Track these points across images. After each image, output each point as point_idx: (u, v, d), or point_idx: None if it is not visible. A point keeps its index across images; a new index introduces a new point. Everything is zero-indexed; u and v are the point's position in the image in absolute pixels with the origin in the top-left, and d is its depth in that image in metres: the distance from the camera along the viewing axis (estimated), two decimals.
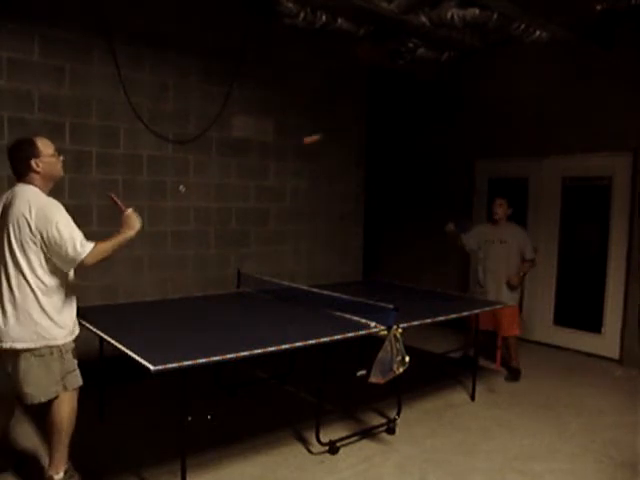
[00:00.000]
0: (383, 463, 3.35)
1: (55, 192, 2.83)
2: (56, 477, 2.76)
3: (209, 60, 5.23)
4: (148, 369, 2.47)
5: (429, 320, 3.80)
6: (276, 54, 5.71)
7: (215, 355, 2.68)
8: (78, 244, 2.59)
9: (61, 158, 2.83)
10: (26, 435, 3.50)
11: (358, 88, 6.60)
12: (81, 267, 2.65)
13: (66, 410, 2.75)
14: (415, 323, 3.60)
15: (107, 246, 2.72)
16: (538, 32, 4.80)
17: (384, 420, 3.85)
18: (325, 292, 4.08)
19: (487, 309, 4.43)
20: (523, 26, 4.73)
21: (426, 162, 7.32)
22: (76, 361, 2.81)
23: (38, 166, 2.69)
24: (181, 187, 4.87)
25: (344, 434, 3.61)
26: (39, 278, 2.63)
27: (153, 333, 3.24)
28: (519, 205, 5.67)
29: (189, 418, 2.68)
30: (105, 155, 4.68)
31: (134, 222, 2.87)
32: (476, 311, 4.32)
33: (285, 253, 6.02)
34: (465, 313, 4.29)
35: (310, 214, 6.20)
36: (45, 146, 2.74)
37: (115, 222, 4.88)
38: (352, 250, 6.69)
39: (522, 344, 5.49)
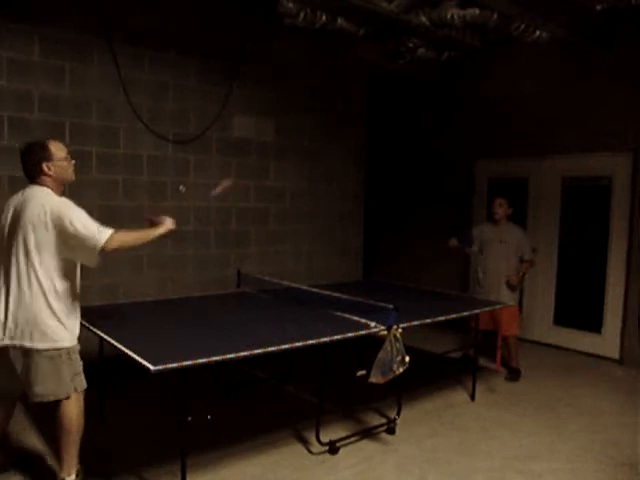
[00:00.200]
0: (383, 463, 3.35)
1: None
2: (68, 479, 2.77)
3: (209, 60, 5.23)
4: (148, 369, 2.47)
5: (429, 320, 3.80)
6: (276, 54, 5.71)
7: (215, 355, 2.68)
8: (96, 230, 2.60)
9: (72, 162, 2.85)
10: (26, 435, 3.50)
11: (358, 88, 6.59)
12: (100, 256, 2.64)
13: (74, 412, 2.75)
14: (415, 323, 3.60)
15: (131, 235, 2.77)
16: (538, 32, 4.80)
17: (384, 420, 3.85)
18: (325, 292, 4.08)
19: (487, 309, 4.44)
20: (523, 26, 4.73)
21: (426, 162, 7.32)
22: (82, 363, 2.82)
23: (50, 169, 2.72)
24: (181, 187, 4.87)
25: (344, 434, 3.61)
26: (52, 280, 2.64)
27: (153, 333, 3.24)
28: (519, 205, 5.67)
29: (189, 418, 2.68)
30: (105, 155, 4.68)
31: (167, 221, 2.92)
32: (476, 311, 4.31)
33: (285, 253, 6.02)
34: (465, 313, 4.29)
35: (310, 214, 6.20)
36: (58, 149, 2.76)
37: (115, 223, 4.89)
38: (352, 250, 6.69)
39: (522, 344, 5.50)
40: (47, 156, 2.71)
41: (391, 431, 3.74)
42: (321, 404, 3.42)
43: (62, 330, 2.68)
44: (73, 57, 4.47)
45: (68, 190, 4.50)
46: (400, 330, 3.29)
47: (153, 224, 2.95)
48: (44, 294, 2.63)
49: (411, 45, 5.61)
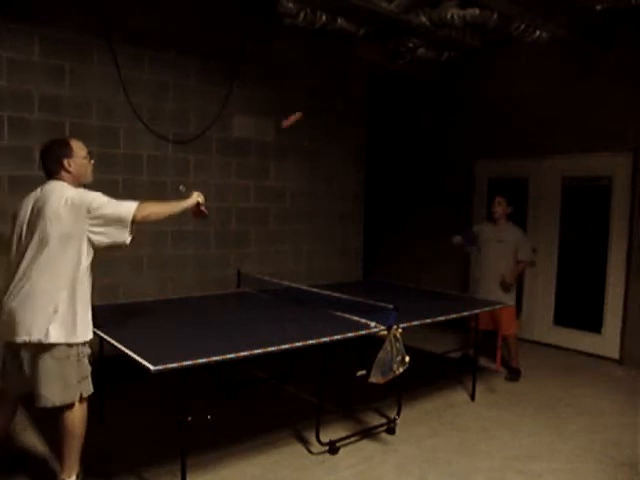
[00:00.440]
0: (383, 463, 3.35)
1: None
2: None
3: (209, 60, 5.23)
4: (148, 369, 2.47)
5: (429, 320, 3.80)
6: (276, 54, 5.71)
7: (215, 355, 2.68)
8: (122, 204, 2.64)
9: (92, 162, 2.88)
10: (26, 435, 3.50)
11: (358, 88, 6.59)
12: (132, 228, 2.66)
13: (79, 416, 2.75)
14: (415, 323, 3.60)
15: (158, 206, 2.81)
16: (538, 32, 4.80)
17: (384, 420, 3.85)
18: (325, 292, 4.08)
19: (487, 309, 4.44)
20: (523, 26, 4.73)
21: (426, 162, 7.32)
22: (90, 368, 2.82)
23: (70, 166, 2.75)
24: (181, 187, 4.84)
25: (344, 434, 3.61)
26: (72, 274, 2.64)
27: (153, 333, 3.24)
28: (519, 205, 5.67)
29: (189, 418, 2.68)
30: (105, 155, 4.67)
31: (194, 195, 3.03)
32: (476, 311, 4.31)
33: (285, 253, 6.02)
34: (465, 313, 4.29)
35: (310, 214, 6.20)
36: (78, 148, 2.80)
37: None
38: (352, 250, 6.69)
39: (522, 344, 5.50)
40: (68, 153, 2.75)
41: (391, 431, 3.74)
42: (321, 404, 3.42)
43: (78, 325, 2.67)
44: (73, 57, 4.47)
45: None
46: (400, 330, 3.29)
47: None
48: (63, 288, 2.62)
49: (411, 45, 5.61)
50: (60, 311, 2.62)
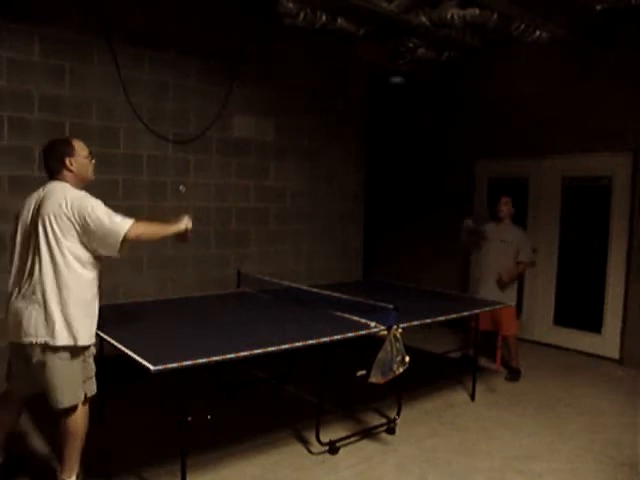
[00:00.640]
0: (383, 463, 3.35)
1: None
2: None
3: (209, 60, 5.23)
4: (148, 369, 2.47)
5: (429, 320, 3.80)
6: (276, 54, 5.71)
7: (215, 355, 2.69)
8: (117, 219, 2.63)
9: (93, 162, 2.89)
10: (26, 435, 3.50)
11: (358, 88, 6.59)
12: (123, 245, 2.66)
13: (81, 417, 2.76)
14: (415, 323, 3.60)
15: (151, 226, 2.81)
16: (538, 32, 4.80)
17: (384, 420, 3.85)
18: (325, 292, 4.08)
19: (487, 309, 4.43)
20: (523, 26, 4.73)
21: (426, 162, 7.32)
22: (95, 369, 2.82)
23: (72, 165, 2.75)
24: (181, 187, 4.86)
25: (344, 434, 3.61)
26: (73, 273, 2.63)
27: (153, 333, 3.25)
28: (519, 205, 5.65)
29: (189, 418, 2.68)
30: (105, 155, 4.67)
31: (184, 220, 2.99)
32: (476, 311, 4.31)
33: (285, 253, 6.02)
34: (465, 313, 4.30)
35: (310, 214, 6.20)
36: (80, 147, 2.81)
37: None
38: (352, 250, 6.69)
39: (522, 344, 5.50)
40: (70, 152, 2.76)
41: (391, 431, 3.74)
42: (321, 404, 3.42)
43: (83, 326, 2.67)
44: (73, 57, 4.47)
45: None
46: (400, 330, 3.29)
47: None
48: (67, 289, 2.61)
49: (411, 45, 5.61)
50: (65, 312, 2.61)
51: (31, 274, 2.64)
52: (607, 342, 5.67)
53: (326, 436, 3.47)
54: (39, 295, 2.61)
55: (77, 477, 2.80)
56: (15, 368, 2.83)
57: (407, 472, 3.25)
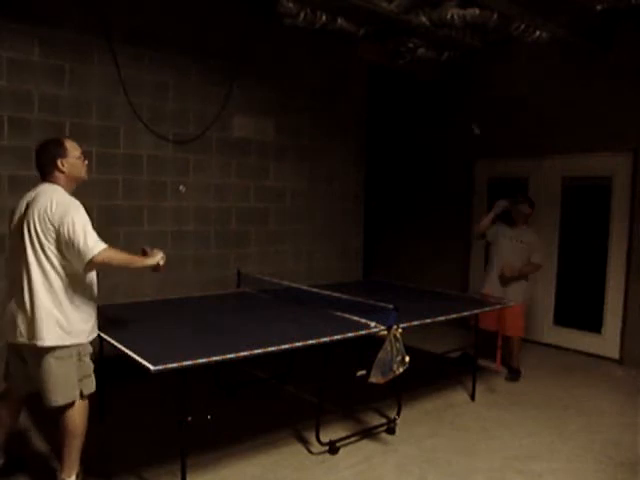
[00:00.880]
0: (383, 463, 3.35)
1: None
2: None
3: (209, 60, 5.23)
4: (148, 369, 2.47)
5: (429, 320, 3.79)
6: (276, 54, 5.71)
7: (215, 355, 2.69)
8: (90, 240, 2.59)
9: (85, 162, 2.87)
10: (26, 435, 3.50)
11: (358, 88, 6.59)
12: (89, 266, 2.63)
13: (79, 415, 2.76)
14: (415, 323, 3.60)
15: (121, 256, 2.73)
16: (538, 32, 4.80)
17: (384, 420, 3.85)
18: (325, 292, 4.08)
19: (487, 309, 4.43)
20: (523, 26, 4.73)
21: (426, 162, 7.32)
22: (92, 366, 2.83)
23: (63, 166, 2.74)
24: (181, 187, 4.87)
25: (344, 434, 3.61)
26: (59, 274, 2.64)
27: (153, 333, 3.25)
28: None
29: (189, 418, 2.68)
30: (105, 155, 4.68)
31: (156, 254, 2.90)
32: (476, 311, 4.31)
33: (285, 253, 6.02)
34: (465, 313, 4.29)
35: (310, 214, 6.20)
36: (72, 147, 2.80)
37: (115, 223, 4.89)
38: (352, 250, 6.69)
39: (522, 344, 5.49)
40: (62, 153, 2.74)
41: (391, 431, 3.74)
42: (321, 404, 3.42)
43: (74, 326, 2.67)
44: (73, 57, 4.47)
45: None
46: (400, 330, 3.29)
47: (145, 254, 2.92)
48: (53, 288, 2.63)
49: (411, 45, 5.61)
50: (54, 312, 2.63)
51: (20, 275, 2.65)
52: (607, 342, 5.67)
53: (326, 436, 3.47)
54: (27, 296, 2.63)
55: (77, 477, 2.81)
56: (13, 367, 2.85)
57: (407, 472, 3.25)
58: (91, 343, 2.87)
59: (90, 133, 4.59)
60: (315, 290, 4.19)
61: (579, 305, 6.00)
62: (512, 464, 3.38)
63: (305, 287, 4.41)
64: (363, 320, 3.49)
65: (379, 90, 7.29)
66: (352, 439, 3.60)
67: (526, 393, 4.61)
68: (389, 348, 3.22)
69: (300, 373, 4.52)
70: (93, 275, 2.82)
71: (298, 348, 3.04)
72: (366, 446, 3.56)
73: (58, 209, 2.60)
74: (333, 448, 3.43)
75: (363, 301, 3.78)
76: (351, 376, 3.32)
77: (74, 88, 4.50)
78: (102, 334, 3.03)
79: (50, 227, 2.60)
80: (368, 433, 3.71)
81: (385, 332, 3.27)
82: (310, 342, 3.05)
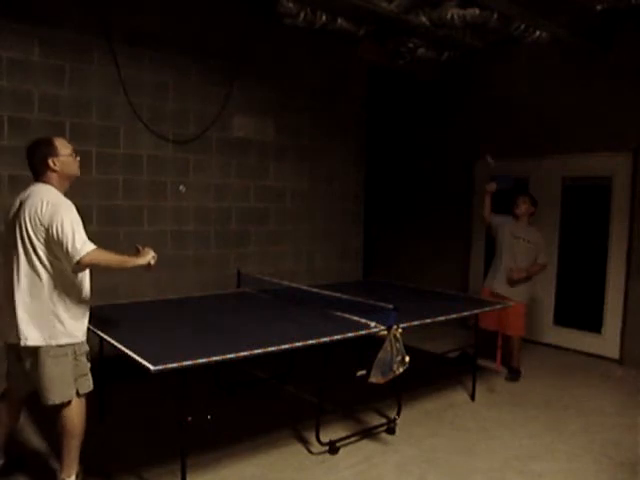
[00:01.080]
0: (383, 463, 3.35)
1: None
2: None
3: (209, 60, 5.23)
4: (148, 369, 2.47)
5: (429, 320, 3.79)
6: (276, 54, 5.71)
7: (215, 355, 2.69)
8: (78, 241, 2.60)
9: (77, 159, 2.88)
10: (26, 434, 3.50)
11: (358, 88, 6.59)
12: (77, 266, 2.64)
13: (77, 414, 2.76)
14: (415, 323, 3.60)
15: (110, 256, 2.73)
16: (538, 32, 4.81)
17: (384, 420, 3.85)
18: (325, 292, 4.08)
19: (487, 309, 4.42)
20: (523, 26, 4.74)
21: (426, 162, 7.32)
22: (89, 365, 2.83)
23: (55, 165, 2.75)
24: (181, 187, 4.87)
25: (344, 434, 3.61)
26: (50, 274, 2.65)
27: (153, 333, 3.25)
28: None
29: (189, 418, 2.68)
30: (105, 155, 4.67)
31: (147, 254, 2.92)
32: (476, 311, 4.31)
33: (285, 253, 6.02)
34: (465, 313, 4.29)
35: (310, 214, 6.20)
36: (63, 146, 2.80)
37: (115, 223, 4.89)
38: (352, 250, 6.69)
39: (522, 344, 5.48)
40: (53, 152, 2.75)
41: (391, 431, 3.74)
42: (321, 404, 3.42)
43: (65, 326, 2.68)
44: (73, 57, 4.47)
45: (69, 190, 4.50)
46: (400, 330, 3.29)
47: (138, 253, 2.93)
48: (45, 288, 2.64)
49: (411, 45, 5.61)
50: (45, 312, 2.64)
51: (14, 276, 2.67)
52: (607, 342, 5.67)
53: (326, 436, 3.47)
54: (19, 297, 2.64)
55: (77, 476, 2.81)
56: (12, 367, 2.86)
57: (407, 472, 3.25)
58: (89, 342, 2.87)
59: (90, 133, 4.59)
60: (315, 290, 4.19)
61: (579, 305, 6.00)
62: (512, 464, 3.38)
63: (305, 287, 4.41)
64: (363, 320, 3.49)
65: (379, 90, 7.29)
66: (352, 439, 3.60)
67: (526, 393, 4.61)
68: (389, 348, 3.22)
69: (300, 373, 4.52)
70: (86, 274, 2.82)
71: (298, 348, 3.04)
72: (366, 446, 3.56)
73: (48, 209, 2.61)
74: (333, 448, 3.43)
75: (363, 301, 3.78)
76: (351, 376, 3.32)
77: (74, 88, 4.50)
78: (102, 334, 3.03)
79: (40, 227, 2.61)
80: (368, 433, 3.71)
81: (385, 332, 3.27)
82: (310, 342, 3.05)
